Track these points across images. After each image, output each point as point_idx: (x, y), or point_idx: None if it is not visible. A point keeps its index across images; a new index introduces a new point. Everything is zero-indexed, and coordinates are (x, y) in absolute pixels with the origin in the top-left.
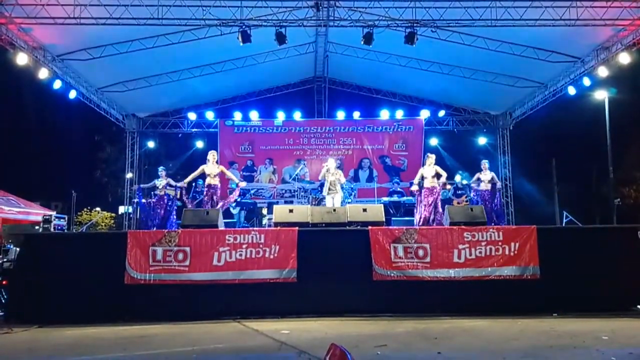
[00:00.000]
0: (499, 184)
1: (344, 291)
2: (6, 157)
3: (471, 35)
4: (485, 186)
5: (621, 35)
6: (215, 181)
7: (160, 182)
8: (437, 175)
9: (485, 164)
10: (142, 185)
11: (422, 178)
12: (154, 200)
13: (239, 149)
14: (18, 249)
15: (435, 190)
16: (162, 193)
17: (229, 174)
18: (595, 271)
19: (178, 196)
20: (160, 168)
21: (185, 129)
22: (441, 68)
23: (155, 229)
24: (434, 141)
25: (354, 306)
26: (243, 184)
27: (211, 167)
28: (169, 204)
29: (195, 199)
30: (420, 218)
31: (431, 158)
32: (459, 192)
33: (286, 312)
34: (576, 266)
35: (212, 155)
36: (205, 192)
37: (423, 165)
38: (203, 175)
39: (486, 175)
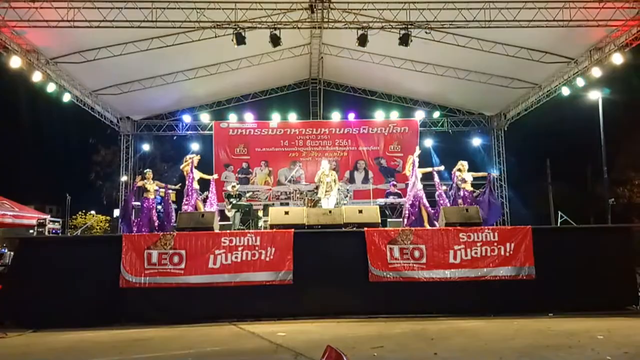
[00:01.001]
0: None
1: (340, 293)
2: (0, 160)
3: (465, 37)
4: (467, 187)
5: (614, 35)
6: (197, 187)
7: (151, 186)
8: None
9: (464, 165)
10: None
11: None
12: (144, 202)
13: (234, 151)
14: (12, 253)
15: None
16: (153, 197)
17: (203, 175)
18: (590, 271)
19: (173, 198)
20: (147, 171)
21: (180, 132)
22: (435, 69)
23: (146, 230)
24: (428, 142)
25: (350, 308)
26: (215, 176)
27: (196, 172)
28: (162, 204)
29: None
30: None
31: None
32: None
33: (282, 315)
34: (571, 266)
35: (194, 159)
36: (193, 197)
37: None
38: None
39: (465, 175)
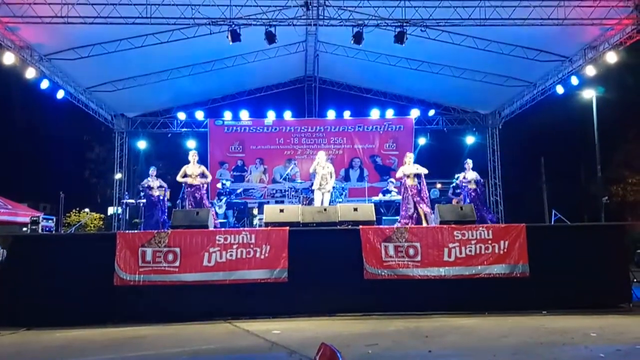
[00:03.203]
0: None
1: (335, 290)
2: None
3: (460, 35)
4: (471, 185)
5: (608, 34)
6: (196, 181)
7: (155, 183)
8: (417, 175)
9: (469, 163)
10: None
11: (405, 176)
12: (147, 201)
13: (229, 149)
14: (5, 251)
15: (413, 188)
16: (157, 194)
17: (208, 172)
18: (584, 269)
19: (168, 197)
20: (152, 168)
21: (174, 129)
22: (431, 67)
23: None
24: (423, 140)
25: (345, 305)
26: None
27: (192, 167)
28: (162, 204)
29: (183, 199)
30: (402, 217)
31: (410, 157)
32: (457, 191)
33: (277, 312)
34: (565, 264)
35: (192, 156)
36: (186, 192)
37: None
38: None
39: (471, 174)
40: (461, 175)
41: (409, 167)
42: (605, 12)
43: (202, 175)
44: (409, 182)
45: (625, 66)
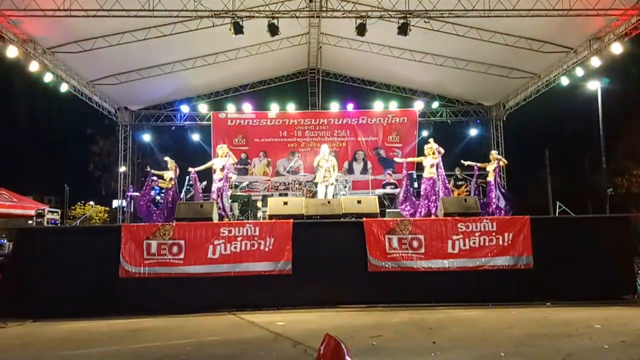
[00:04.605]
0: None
1: (339, 283)
2: None
3: (464, 26)
4: (490, 177)
5: (613, 25)
6: (221, 175)
7: (169, 174)
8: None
9: (493, 154)
10: (153, 171)
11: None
12: (160, 193)
13: (233, 142)
14: (12, 244)
15: (433, 180)
16: (171, 185)
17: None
18: (588, 260)
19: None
20: (169, 159)
21: (178, 122)
22: (434, 59)
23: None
24: (427, 133)
25: (349, 297)
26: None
27: (217, 161)
28: (175, 196)
29: (188, 192)
30: (421, 211)
31: (430, 149)
32: (459, 182)
33: (281, 304)
34: (569, 256)
35: (220, 150)
36: (213, 186)
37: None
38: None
39: (493, 166)
40: (482, 164)
41: (430, 158)
42: (611, 3)
43: (223, 168)
44: (429, 173)
45: (631, 57)
